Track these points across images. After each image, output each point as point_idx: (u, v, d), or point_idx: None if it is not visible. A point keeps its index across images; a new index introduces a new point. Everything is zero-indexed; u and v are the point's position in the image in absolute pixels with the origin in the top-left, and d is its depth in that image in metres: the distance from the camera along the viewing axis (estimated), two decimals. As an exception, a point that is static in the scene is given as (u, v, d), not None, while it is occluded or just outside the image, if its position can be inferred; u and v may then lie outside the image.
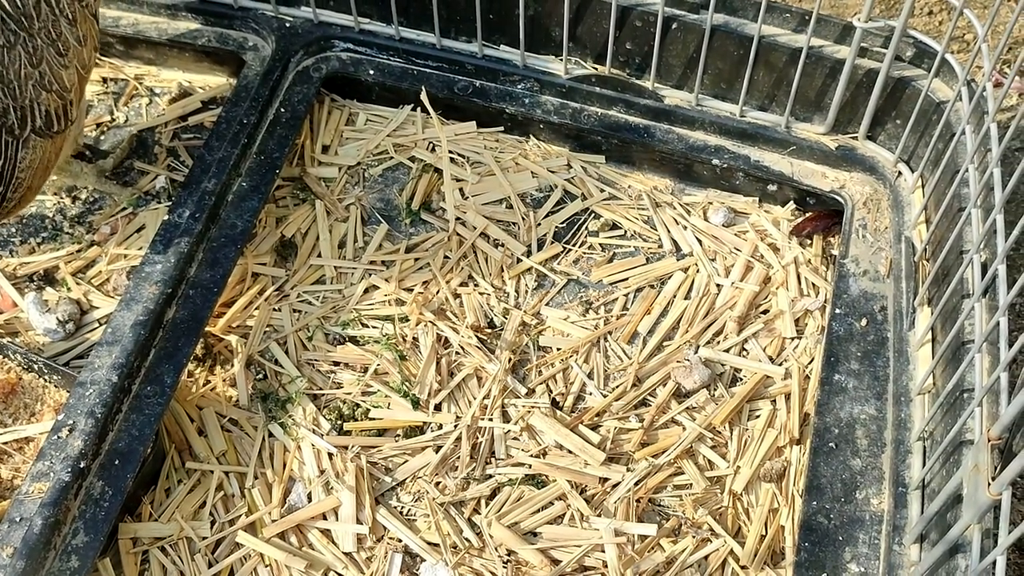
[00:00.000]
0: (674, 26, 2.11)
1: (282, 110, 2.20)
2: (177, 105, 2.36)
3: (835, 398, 1.79)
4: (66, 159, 2.05)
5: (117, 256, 2.11)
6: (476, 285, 2.07)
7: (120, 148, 2.25)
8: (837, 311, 1.90)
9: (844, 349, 1.85)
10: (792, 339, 1.99)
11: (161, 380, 1.83)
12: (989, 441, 1.29)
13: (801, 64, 2.01)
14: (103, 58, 2.42)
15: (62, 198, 2.21)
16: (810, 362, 1.96)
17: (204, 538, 1.78)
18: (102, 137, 2.30)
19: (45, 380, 1.91)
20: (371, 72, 2.29)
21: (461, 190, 2.20)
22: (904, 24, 1.89)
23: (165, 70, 2.43)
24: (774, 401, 1.92)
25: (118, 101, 2.39)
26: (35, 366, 1.90)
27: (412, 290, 2.06)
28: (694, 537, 1.76)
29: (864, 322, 1.88)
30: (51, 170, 1.92)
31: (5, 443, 1.86)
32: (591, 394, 1.94)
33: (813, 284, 2.05)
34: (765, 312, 2.04)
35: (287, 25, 2.31)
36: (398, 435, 1.90)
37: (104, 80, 2.42)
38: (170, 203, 2.10)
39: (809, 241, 2.12)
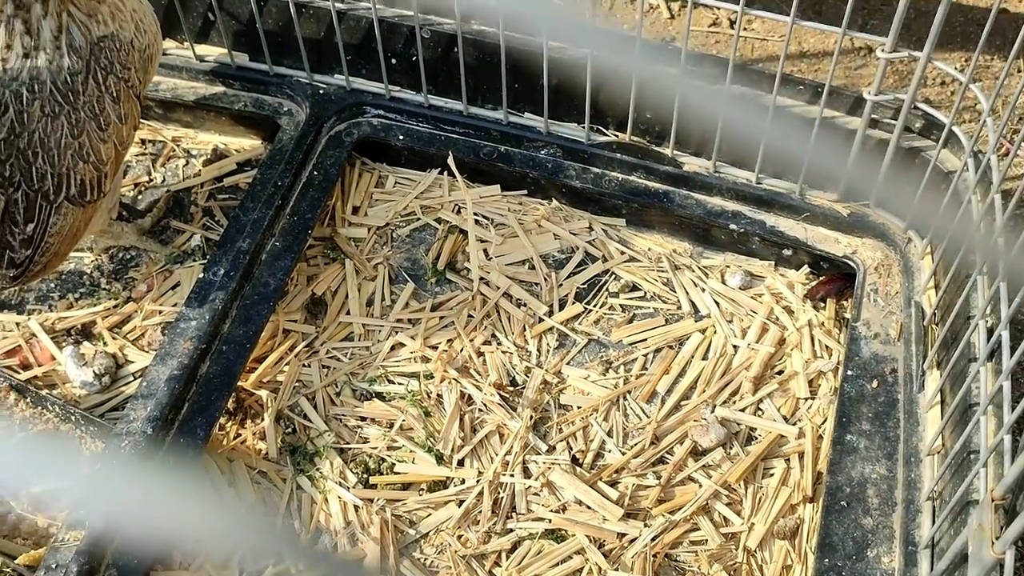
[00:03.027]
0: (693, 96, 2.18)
1: (315, 173, 2.28)
2: (213, 166, 2.44)
3: (847, 458, 1.84)
4: (101, 229, 2.13)
5: (152, 312, 2.19)
6: (499, 344, 2.13)
7: (157, 207, 2.34)
8: (849, 373, 1.95)
9: (856, 410, 1.90)
10: (806, 399, 2.03)
11: (194, 433, 1.90)
12: (993, 501, 1.34)
13: (815, 134, 2.07)
14: (142, 120, 2.51)
15: (99, 256, 2.29)
16: (823, 422, 2.00)
17: (233, 587, 1.83)
18: (139, 196, 2.39)
19: (82, 431, 1.97)
20: (400, 137, 2.37)
21: (485, 251, 2.27)
22: (913, 98, 1.96)
23: (202, 133, 2.52)
24: (788, 460, 1.96)
25: (156, 162, 2.48)
26: (72, 417, 1.97)
27: (437, 348, 2.12)
28: (709, 592, 1.80)
29: (875, 384, 1.93)
30: (79, 239, 1.99)
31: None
32: (610, 451, 1.99)
33: (826, 346, 2.10)
34: (780, 373, 2.08)
35: (321, 91, 2.40)
36: (422, 489, 1.95)
37: (143, 142, 2.51)
38: (205, 261, 2.17)
39: (823, 304, 2.17)
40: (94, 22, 1.87)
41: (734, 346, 2.12)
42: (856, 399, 1.91)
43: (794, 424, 2.00)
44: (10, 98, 1.80)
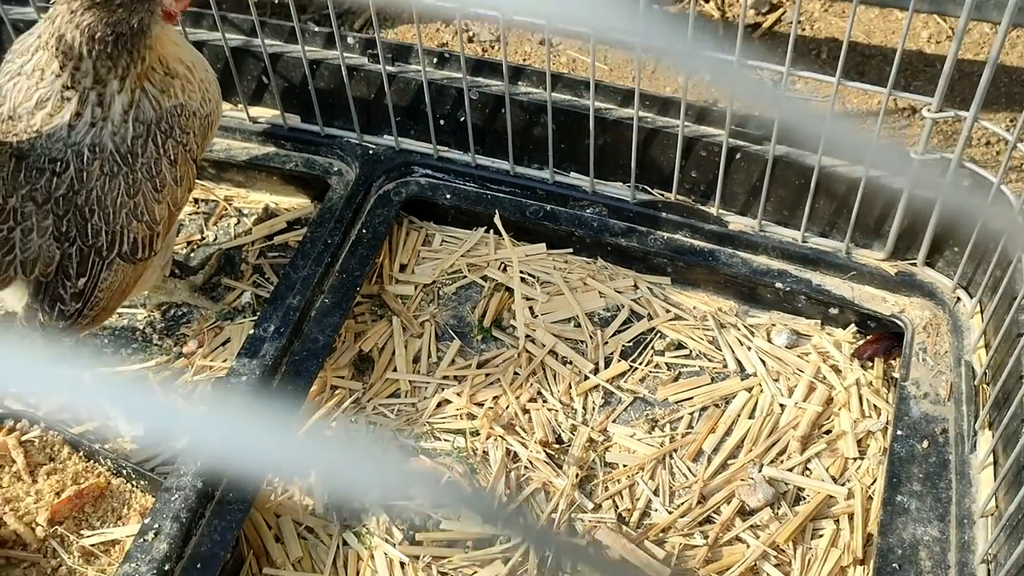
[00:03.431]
0: (738, 156, 2.20)
1: (364, 231, 2.31)
2: (263, 225, 2.48)
3: (898, 519, 1.82)
4: (154, 286, 2.18)
5: (203, 367, 2.22)
6: (545, 401, 2.14)
7: (209, 265, 2.38)
8: (899, 433, 1.94)
9: (906, 470, 1.88)
10: (854, 459, 2.02)
11: (242, 488, 1.91)
12: (1050, 563, 1.32)
13: (860, 193, 2.08)
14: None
15: (152, 312, 2.33)
16: (873, 483, 1.98)
17: (279, 642, 1.83)
18: (191, 254, 2.44)
19: (132, 485, 2.00)
20: (448, 196, 2.40)
21: (531, 308, 2.28)
22: (959, 157, 1.96)
23: (253, 192, 2.57)
24: (837, 521, 1.94)
25: (208, 220, 2.52)
26: (124, 471, 1.99)
27: (483, 405, 2.13)
28: (758, 655, 1.78)
29: (926, 444, 1.91)
30: (128, 294, 2.04)
31: (93, 545, 1.94)
32: (656, 510, 1.98)
33: (875, 406, 2.09)
34: (828, 432, 2.07)
35: (370, 152, 2.45)
36: (468, 546, 1.95)
37: (196, 201, 2.56)
38: (255, 318, 2.21)
39: (870, 363, 2.16)
40: (165, 96, 1.93)
41: (781, 405, 2.11)
42: (906, 459, 1.89)
43: (843, 484, 1.98)
44: (72, 156, 1.86)
